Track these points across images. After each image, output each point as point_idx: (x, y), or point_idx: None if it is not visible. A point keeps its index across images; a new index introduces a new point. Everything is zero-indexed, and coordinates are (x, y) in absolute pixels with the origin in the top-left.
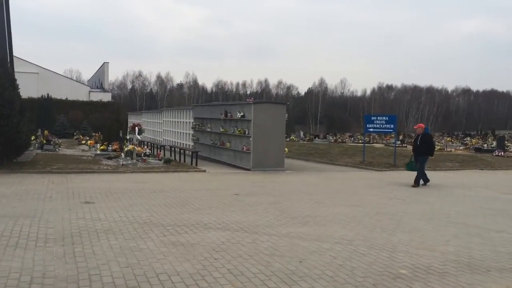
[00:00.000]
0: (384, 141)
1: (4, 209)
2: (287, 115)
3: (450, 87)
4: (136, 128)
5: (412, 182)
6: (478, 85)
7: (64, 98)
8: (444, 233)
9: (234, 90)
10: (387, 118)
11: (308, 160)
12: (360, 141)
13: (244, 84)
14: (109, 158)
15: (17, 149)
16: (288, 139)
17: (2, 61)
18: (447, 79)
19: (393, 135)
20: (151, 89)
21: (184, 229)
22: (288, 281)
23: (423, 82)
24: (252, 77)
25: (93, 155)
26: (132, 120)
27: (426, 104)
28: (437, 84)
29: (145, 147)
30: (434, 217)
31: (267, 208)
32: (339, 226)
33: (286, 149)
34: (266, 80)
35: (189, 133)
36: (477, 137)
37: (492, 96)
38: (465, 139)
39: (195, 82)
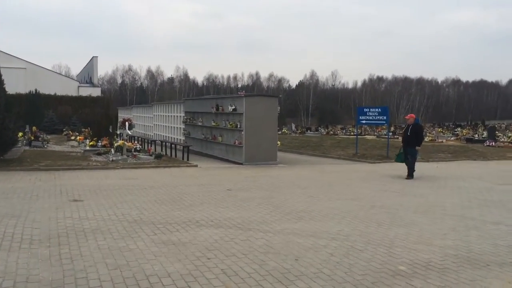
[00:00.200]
0: (376, 133)
1: None
2: (279, 108)
3: (440, 78)
4: (127, 123)
5: (406, 174)
6: (467, 75)
7: (52, 93)
8: (441, 226)
9: (226, 83)
10: (379, 110)
11: (300, 153)
12: (352, 133)
13: (235, 78)
14: (99, 154)
15: (3, 146)
16: (280, 132)
17: None
18: (437, 70)
19: (385, 127)
20: (141, 83)
21: (175, 227)
22: (284, 280)
23: (413, 74)
24: (243, 70)
25: (82, 151)
26: (122, 115)
27: (417, 95)
28: (427, 75)
29: (136, 142)
30: (430, 209)
31: (261, 203)
32: (335, 221)
33: (278, 142)
34: (257, 73)
35: (180, 128)
36: (467, 127)
37: (481, 86)
38: (456, 129)
39: (186, 76)
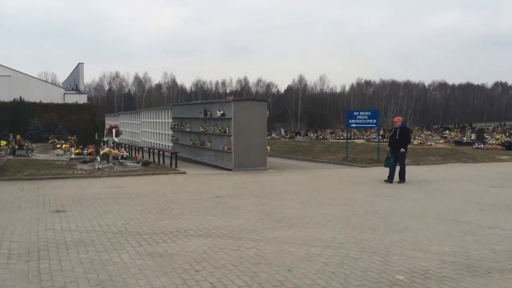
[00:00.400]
0: (365, 137)
1: None
2: (268, 112)
3: (427, 82)
4: (113, 130)
5: (398, 178)
6: (454, 78)
7: (38, 101)
8: (437, 232)
9: (214, 89)
10: (369, 113)
11: (290, 158)
12: (342, 137)
13: (223, 83)
14: (84, 162)
15: None
16: (269, 137)
17: None
18: (424, 74)
19: (374, 130)
20: (129, 90)
21: (162, 237)
22: None
23: (400, 77)
24: (231, 75)
25: (68, 159)
26: (109, 122)
27: (404, 98)
28: (414, 78)
29: (122, 149)
30: (424, 214)
31: (251, 211)
32: (328, 228)
33: (268, 147)
34: (245, 78)
35: (168, 134)
36: (455, 130)
37: (467, 89)
38: (444, 132)
39: (173, 82)
